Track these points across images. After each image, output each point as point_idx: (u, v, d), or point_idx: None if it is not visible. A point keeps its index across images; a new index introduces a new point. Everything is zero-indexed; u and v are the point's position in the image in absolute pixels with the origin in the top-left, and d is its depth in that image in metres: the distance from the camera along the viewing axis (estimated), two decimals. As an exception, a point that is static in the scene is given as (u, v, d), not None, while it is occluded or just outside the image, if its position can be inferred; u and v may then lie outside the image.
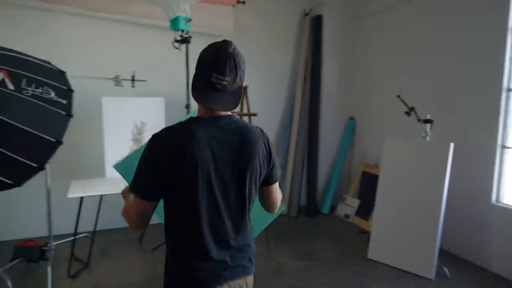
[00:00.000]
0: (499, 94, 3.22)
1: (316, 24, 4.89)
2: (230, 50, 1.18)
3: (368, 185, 4.63)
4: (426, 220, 3.22)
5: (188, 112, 3.13)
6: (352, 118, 5.19)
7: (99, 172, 3.50)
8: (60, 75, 2.59)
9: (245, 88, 3.80)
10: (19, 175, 2.25)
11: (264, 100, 4.72)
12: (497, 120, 3.25)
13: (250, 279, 1.34)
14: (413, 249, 3.26)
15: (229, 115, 1.27)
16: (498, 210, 3.26)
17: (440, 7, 3.77)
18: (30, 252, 3.16)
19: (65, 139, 2.35)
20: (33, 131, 2.20)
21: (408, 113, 3.52)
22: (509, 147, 3.26)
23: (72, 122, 2.43)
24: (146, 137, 2.86)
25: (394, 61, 4.41)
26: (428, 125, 3.38)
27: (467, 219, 3.51)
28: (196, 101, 1.21)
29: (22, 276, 3.07)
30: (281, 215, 4.74)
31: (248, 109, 3.79)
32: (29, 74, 2.31)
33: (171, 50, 3.33)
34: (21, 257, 3.13)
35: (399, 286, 3.05)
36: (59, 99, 2.41)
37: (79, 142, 3.73)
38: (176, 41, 3.28)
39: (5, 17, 3.55)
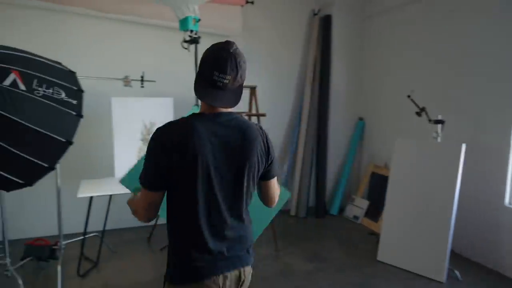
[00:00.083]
0: (513, 94, 3.17)
1: (325, 24, 4.86)
2: (231, 50, 1.23)
3: (378, 186, 4.58)
4: (437, 222, 3.17)
5: (197, 105, 3.13)
6: (361, 119, 5.15)
7: (109, 172, 3.52)
8: (70, 76, 2.61)
9: (254, 88, 3.79)
10: (30, 175, 2.28)
11: (272, 100, 4.71)
12: (510, 120, 3.19)
13: (248, 269, 1.39)
14: (424, 251, 3.21)
15: (229, 112, 1.31)
16: (511, 212, 3.19)
17: (451, 6, 3.72)
18: (41, 251, 3.19)
19: (75, 139, 2.37)
20: (44, 132, 2.22)
21: (418, 114, 3.48)
22: (522, 148, 3.20)
23: (81, 122, 2.45)
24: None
25: (404, 61, 4.36)
26: (440, 125, 3.33)
27: (479, 221, 3.45)
28: (198, 98, 1.27)
29: (32, 275, 3.10)
30: (289, 216, 4.77)
31: (257, 110, 3.78)
32: (40, 75, 2.33)
33: (180, 50, 3.33)
34: (31, 255, 3.16)
35: (409, 289, 3.02)
36: (70, 100, 2.43)
37: (89, 142, 3.76)
38: (185, 41, 3.28)
39: (14, 18, 3.59)
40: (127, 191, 2.08)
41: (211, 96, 1.24)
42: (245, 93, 3.87)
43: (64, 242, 3.32)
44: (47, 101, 2.29)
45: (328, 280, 3.16)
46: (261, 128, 1.40)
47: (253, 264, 1.43)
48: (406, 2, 4.26)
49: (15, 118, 2.11)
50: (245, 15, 4.40)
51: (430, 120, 3.38)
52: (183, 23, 3.19)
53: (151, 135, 1.26)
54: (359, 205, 4.74)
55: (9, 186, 2.26)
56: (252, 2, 4.26)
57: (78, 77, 2.65)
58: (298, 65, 4.96)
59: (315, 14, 4.89)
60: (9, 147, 2.11)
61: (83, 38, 3.86)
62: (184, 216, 1.28)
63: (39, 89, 2.28)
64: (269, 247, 3.76)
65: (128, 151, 3.48)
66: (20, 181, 2.25)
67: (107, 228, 3.53)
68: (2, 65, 2.17)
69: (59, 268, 2.96)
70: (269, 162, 1.39)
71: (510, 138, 3.19)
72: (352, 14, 4.98)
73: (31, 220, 3.82)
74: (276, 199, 1.52)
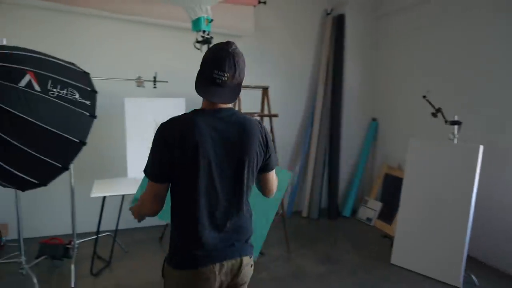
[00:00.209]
0: (533, 94, 3.08)
1: (338, 23, 4.81)
2: (230, 50, 1.30)
3: (391, 188, 4.51)
4: (453, 225, 3.10)
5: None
6: (374, 119, 5.08)
7: (121, 172, 3.54)
8: (84, 77, 2.64)
9: (266, 89, 3.76)
10: (44, 175, 2.31)
11: (285, 100, 4.67)
12: (530, 121, 3.10)
13: (246, 260, 1.43)
14: (440, 255, 3.14)
15: (229, 108, 1.39)
16: (530, 216, 3.11)
17: (465, 4, 3.63)
18: (55, 250, 3.23)
19: (88, 139, 2.39)
20: (58, 132, 2.24)
21: (434, 115, 3.40)
22: (543, 150, 3.11)
23: (95, 123, 2.47)
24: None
25: (419, 61, 4.28)
26: (456, 126, 3.25)
27: (495, 224, 3.36)
28: (199, 95, 1.34)
29: (47, 273, 3.14)
30: (301, 217, 4.73)
31: (269, 110, 3.75)
32: (54, 76, 2.35)
33: (192, 50, 3.33)
34: (46, 254, 3.20)
35: (424, 293, 2.96)
36: (83, 100, 2.45)
37: (102, 142, 3.78)
38: (198, 41, 3.28)
39: (26, 19, 3.62)
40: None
41: (211, 93, 1.31)
42: (257, 93, 3.85)
43: (77, 241, 3.36)
44: (61, 102, 2.32)
45: (341, 283, 3.12)
46: (260, 123, 1.46)
47: (256, 256, 1.49)
48: (419, 2, 4.18)
49: (30, 119, 2.14)
50: (257, 15, 4.38)
51: (446, 121, 3.31)
52: (196, 24, 3.18)
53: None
54: (372, 207, 4.67)
55: (24, 186, 2.30)
56: (264, 2, 4.23)
57: (91, 78, 2.67)
58: (311, 65, 4.92)
59: (328, 14, 4.84)
60: (24, 147, 2.13)
61: (96, 39, 3.89)
62: (186, 206, 1.34)
63: (54, 90, 2.30)
64: (280, 248, 3.74)
65: (141, 151, 3.49)
66: (35, 181, 2.28)
67: (119, 227, 3.56)
68: (18, 66, 2.20)
69: (72, 267, 2.99)
70: (267, 156, 1.45)
71: (530, 139, 3.11)
72: (365, 14, 4.92)
73: (45, 219, 3.87)
74: (275, 189, 1.60)
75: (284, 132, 4.61)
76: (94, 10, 3.70)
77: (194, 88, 1.34)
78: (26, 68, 2.23)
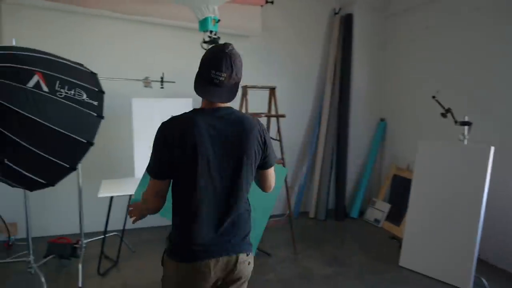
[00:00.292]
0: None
1: (346, 23, 4.77)
2: (227, 51, 1.34)
3: (400, 189, 4.46)
4: (463, 227, 3.05)
5: None
6: (383, 119, 5.03)
7: (129, 172, 3.55)
8: (91, 77, 2.65)
9: (273, 89, 3.75)
10: (52, 175, 2.32)
11: (292, 100, 4.65)
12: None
13: (242, 257, 1.45)
14: (449, 258, 3.10)
15: (228, 107, 1.43)
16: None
17: (476, 4, 3.57)
18: (62, 249, 3.25)
19: (96, 140, 2.39)
20: (66, 133, 2.25)
21: (444, 115, 3.35)
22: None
23: (102, 123, 2.47)
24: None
25: (428, 60, 4.23)
26: (466, 127, 3.20)
27: (507, 227, 3.30)
28: (198, 95, 1.38)
29: (55, 272, 3.16)
30: (308, 218, 4.70)
31: (276, 111, 3.73)
32: (62, 76, 2.36)
33: (199, 51, 3.31)
34: (54, 253, 3.23)
35: (433, 297, 2.92)
36: (91, 101, 2.46)
37: (109, 143, 3.80)
38: (205, 42, 3.27)
39: (35, 19, 3.64)
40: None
41: (209, 93, 1.36)
42: (265, 93, 3.83)
43: (85, 241, 3.38)
44: (69, 103, 2.33)
45: (348, 285, 3.09)
46: (258, 121, 1.49)
47: (255, 253, 1.50)
48: (428, 1, 4.13)
49: (38, 120, 2.15)
50: (264, 15, 4.36)
51: (456, 122, 3.26)
52: (203, 24, 3.18)
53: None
54: (380, 208, 4.63)
55: (33, 186, 2.31)
56: (271, 2, 4.22)
57: (99, 79, 2.68)
58: (318, 64, 4.89)
59: (335, 13, 4.81)
60: (32, 148, 2.15)
61: (103, 40, 3.90)
62: (186, 205, 1.38)
63: (61, 90, 2.31)
64: (287, 249, 3.72)
65: (148, 152, 3.48)
66: (43, 181, 2.29)
67: (126, 227, 3.57)
68: (26, 67, 2.21)
69: (80, 266, 3.01)
70: (266, 154, 1.48)
71: (543, 140, 3.05)
72: (373, 13, 4.87)
73: (53, 219, 3.90)
74: (273, 185, 1.64)
75: (291, 132, 4.59)
76: (105, 11, 3.71)
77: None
78: (34, 68, 2.24)
